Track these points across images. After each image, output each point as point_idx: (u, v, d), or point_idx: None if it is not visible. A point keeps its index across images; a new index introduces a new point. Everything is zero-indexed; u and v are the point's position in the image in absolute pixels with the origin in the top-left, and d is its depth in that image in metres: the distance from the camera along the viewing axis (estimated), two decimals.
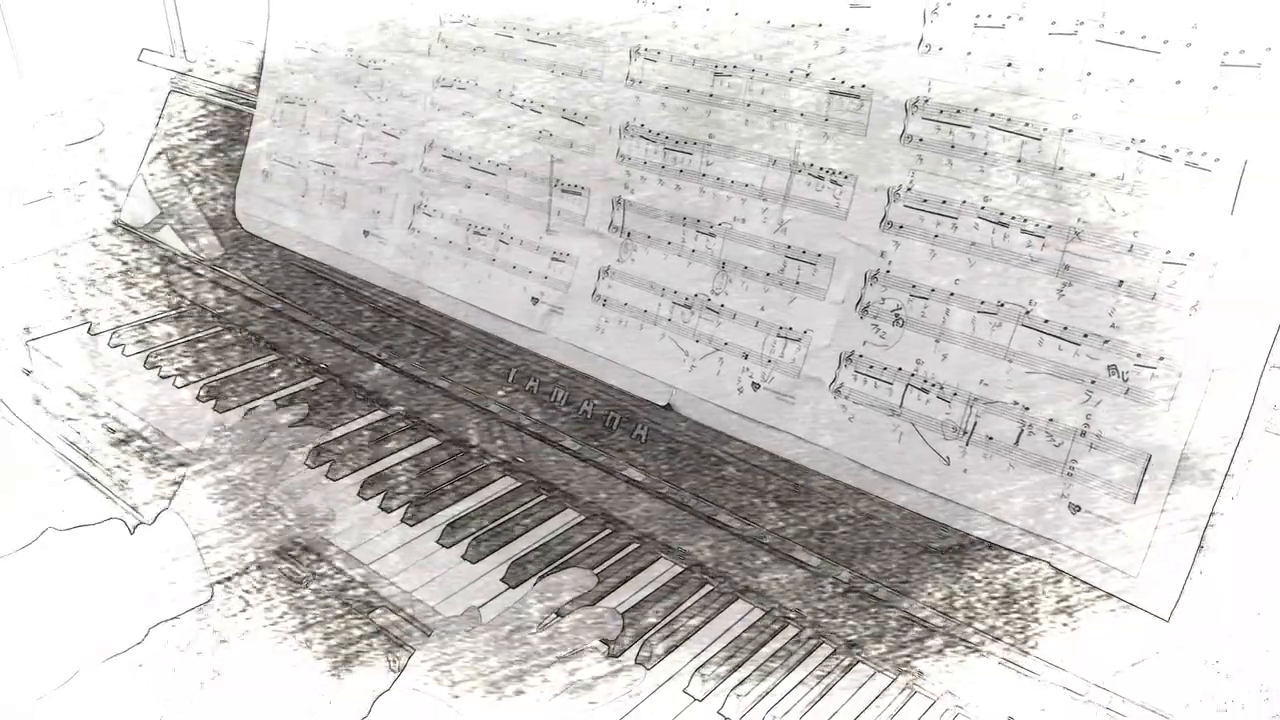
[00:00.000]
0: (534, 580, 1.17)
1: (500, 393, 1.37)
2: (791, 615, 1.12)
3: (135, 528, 1.17)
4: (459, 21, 1.35)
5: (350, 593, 1.21)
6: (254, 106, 1.65)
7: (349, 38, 1.49)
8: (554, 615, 1.07)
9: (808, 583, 1.11)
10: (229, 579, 1.18)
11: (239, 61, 1.65)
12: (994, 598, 0.99)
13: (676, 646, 1.09)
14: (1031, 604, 0.97)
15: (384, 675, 1.11)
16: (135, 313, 1.73)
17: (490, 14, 1.32)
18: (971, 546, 1.00)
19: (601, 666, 1.02)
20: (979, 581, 1.00)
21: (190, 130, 1.54)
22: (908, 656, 1.03)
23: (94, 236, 1.49)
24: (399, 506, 1.29)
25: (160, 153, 1.49)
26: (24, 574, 1.11)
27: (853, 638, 1.07)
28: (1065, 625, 0.95)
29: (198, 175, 1.63)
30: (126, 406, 1.48)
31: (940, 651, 1.02)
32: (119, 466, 1.42)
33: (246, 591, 1.16)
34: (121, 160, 1.56)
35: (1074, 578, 0.93)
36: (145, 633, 1.11)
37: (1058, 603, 0.95)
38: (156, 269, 1.81)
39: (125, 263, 1.53)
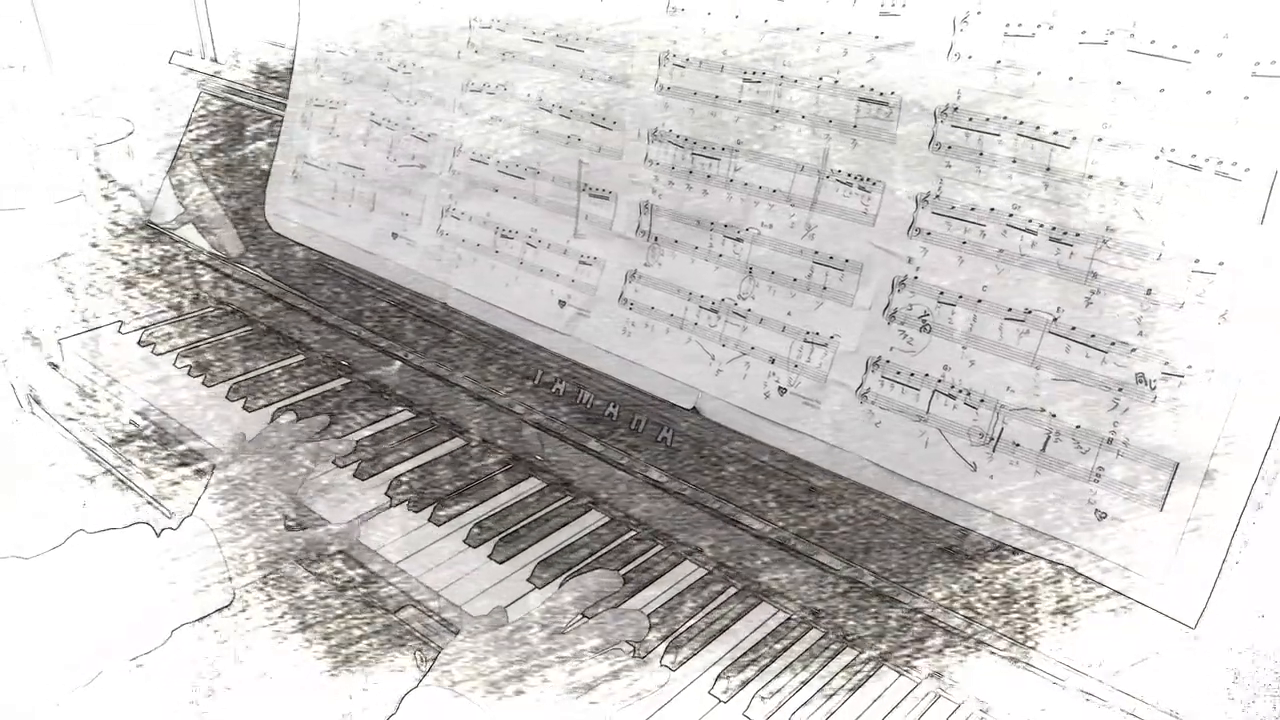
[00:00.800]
0: (560, 580, 1.19)
1: (526, 394, 1.38)
2: (816, 618, 1.12)
3: (161, 531, 1.19)
4: (489, 27, 1.36)
5: (380, 591, 1.23)
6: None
7: (379, 42, 1.50)
8: (581, 616, 1.08)
9: (832, 586, 1.12)
10: (257, 581, 1.20)
11: (239, 59, 1.66)
12: (1017, 603, 1.00)
13: (702, 649, 1.10)
14: (1056, 610, 0.97)
15: (411, 674, 1.13)
16: (164, 311, 1.75)
17: (520, 19, 1.33)
18: (996, 552, 1.01)
19: (602, 666, 1.02)
20: (1002, 587, 1.00)
21: (190, 130, 1.55)
22: (932, 661, 1.04)
23: (93, 237, 1.50)
24: (426, 507, 1.30)
25: (160, 153, 1.50)
26: (53, 575, 1.12)
27: (877, 641, 1.08)
28: (1090, 631, 0.96)
29: (197, 175, 1.65)
30: (167, 411, 1.50)
31: (965, 656, 1.03)
32: (119, 466, 1.44)
33: (247, 591, 1.17)
34: (121, 160, 1.57)
35: (1100, 584, 0.93)
36: (169, 635, 1.13)
37: (1082, 609, 0.96)
38: (180, 266, 1.84)
39: (125, 263, 1.54)
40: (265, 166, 1.77)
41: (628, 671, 1.02)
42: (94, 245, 1.50)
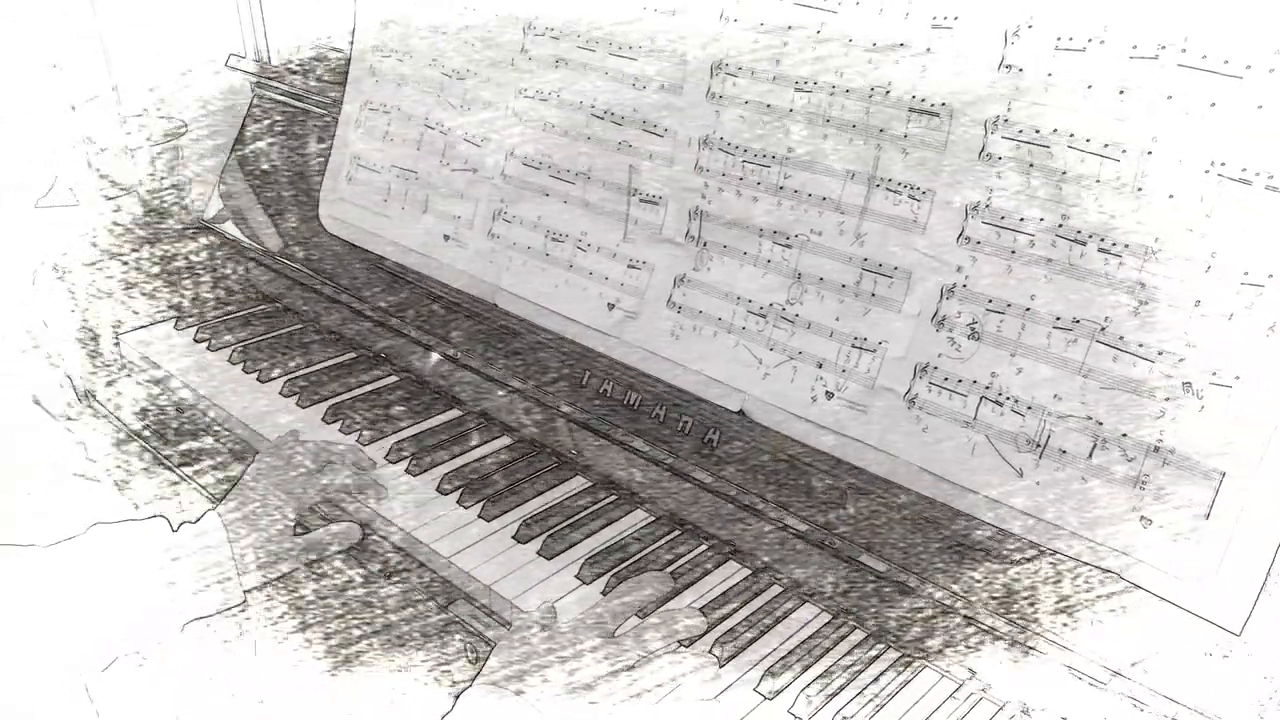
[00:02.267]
0: (606, 579, 1.21)
1: (573, 394, 1.41)
2: (859, 619, 1.15)
3: (179, 526, 1.22)
4: (542, 34, 1.39)
5: (430, 584, 1.26)
6: (314, 107, 1.71)
7: (433, 48, 1.54)
8: (635, 617, 1.10)
9: (875, 587, 1.14)
10: (270, 582, 1.23)
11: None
12: (1059, 607, 1.01)
13: (747, 647, 1.12)
14: (1099, 614, 0.99)
15: (413, 673, 1.15)
16: (218, 308, 1.79)
17: (573, 28, 1.36)
18: (1041, 557, 1.02)
19: (602, 666, 1.04)
20: (1047, 591, 1.02)
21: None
22: (974, 662, 1.06)
23: (94, 237, 1.52)
24: (476, 502, 1.34)
25: (160, 152, 1.53)
26: (70, 564, 1.15)
27: (920, 642, 1.10)
28: (1132, 635, 0.97)
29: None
30: (225, 406, 1.54)
31: (1006, 658, 1.04)
32: (119, 466, 1.47)
33: (246, 591, 1.18)
34: (121, 160, 1.59)
35: (1145, 590, 0.95)
36: (181, 628, 1.16)
37: (1124, 613, 0.97)
38: (225, 263, 1.88)
39: (125, 263, 1.55)
40: (265, 166, 1.82)
41: (628, 671, 1.04)
42: (66, 253, 1.52)
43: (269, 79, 1.84)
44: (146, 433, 1.53)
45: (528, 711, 1.00)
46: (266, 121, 1.78)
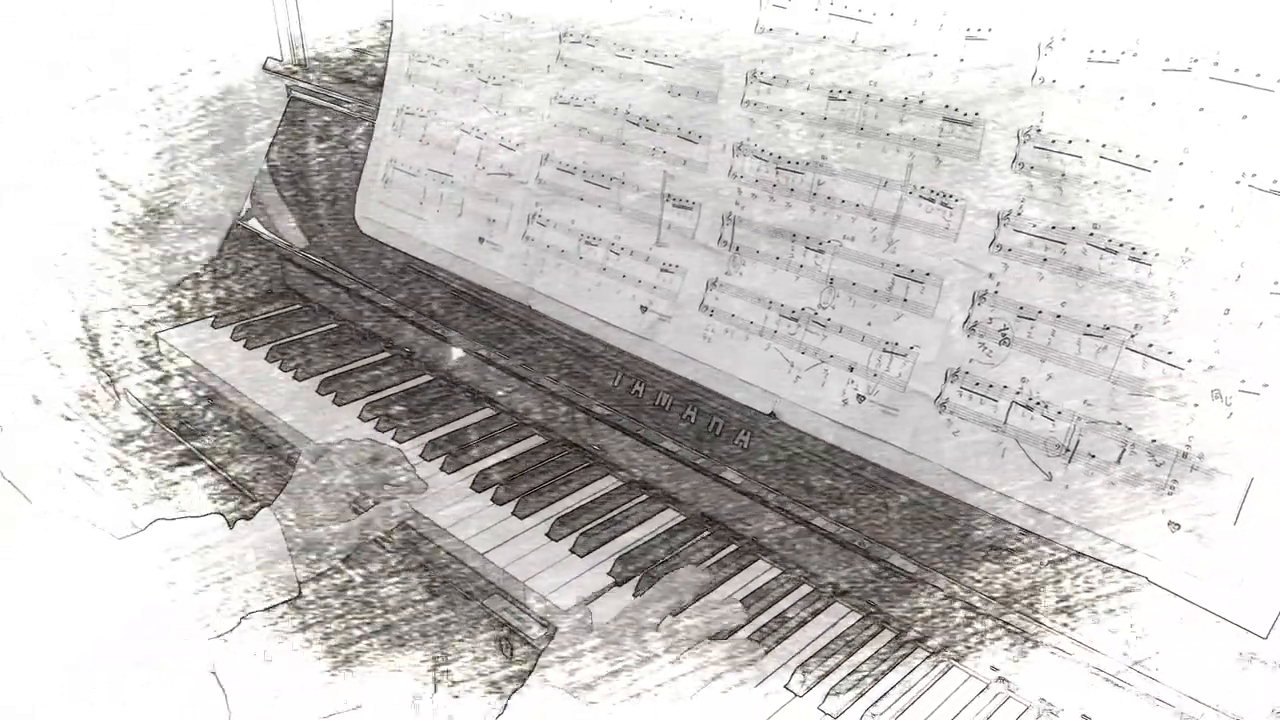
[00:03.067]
0: (640, 574, 1.24)
1: (605, 395, 1.43)
2: (887, 619, 1.17)
3: (234, 522, 1.25)
4: (578, 41, 1.42)
5: (465, 579, 1.29)
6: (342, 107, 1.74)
7: (469, 54, 1.57)
8: (670, 615, 1.12)
9: (905, 588, 1.16)
10: (320, 576, 1.25)
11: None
12: (1089, 609, 1.03)
13: (777, 645, 1.15)
14: (1126, 616, 1.00)
15: (409, 674, 1.18)
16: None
17: (609, 36, 1.38)
18: (1067, 559, 1.04)
19: (602, 666, 1.05)
20: (1075, 593, 1.04)
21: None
22: (1001, 662, 1.08)
23: (94, 236, 1.53)
24: (509, 500, 1.36)
25: (159, 152, 1.54)
26: (134, 558, 1.17)
27: (947, 642, 1.12)
28: (1157, 637, 0.99)
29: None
30: (263, 403, 1.57)
31: (1033, 658, 1.06)
32: (119, 466, 1.49)
33: (246, 591, 1.18)
34: (121, 160, 1.60)
35: (1172, 593, 0.97)
36: (238, 620, 1.19)
37: (1152, 615, 0.99)
38: (254, 260, 1.92)
39: (125, 263, 1.55)
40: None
41: (627, 671, 1.06)
42: (66, 252, 1.52)
43: (307, 85, 1.87)
44: (146, 432, 1.56)
45: (582, 710, 1.01)
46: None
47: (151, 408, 1.60)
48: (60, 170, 1.46)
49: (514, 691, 1.03)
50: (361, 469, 1.34)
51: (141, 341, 1.63)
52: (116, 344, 1.57)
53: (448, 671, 1.18)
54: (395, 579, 1.29)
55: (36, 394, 1.45)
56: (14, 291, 1.48)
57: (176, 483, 1.45)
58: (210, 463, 1.53)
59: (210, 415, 1.63)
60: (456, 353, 1.63)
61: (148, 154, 1.51)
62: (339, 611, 1.23)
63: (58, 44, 1.46)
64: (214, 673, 1.14)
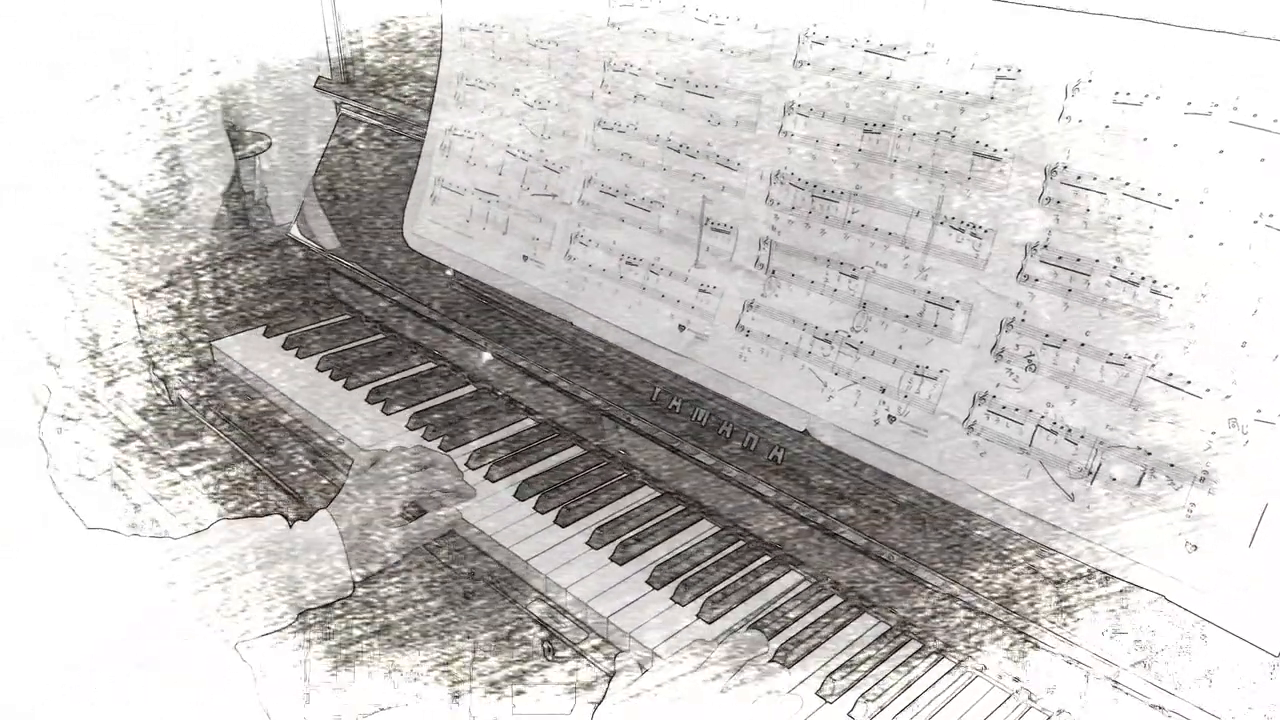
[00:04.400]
0: (677, 582, 1.30)
1: (644, 409, 1.49)
2: (914, 629, 1.22)
3: (294, 522, 1.31)
4: (621, 70, 1.48)
5: (510, 585, 1.35)
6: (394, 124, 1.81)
7: (516, 78, 1.63)
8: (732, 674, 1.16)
9: (931, 601, 1.21)
10: (375, 575, 1.31)
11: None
12: (1106, 625, 1.08)
13: (807, 654, 1.20)
14: (1141, 633, 1.05)
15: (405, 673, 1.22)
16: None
17: (653, 66, 1.44)
18: (1087, 577, 1.09)
19: (603, 666, 1.08)
20: (1092, 608, 1.09)
21: (190, 130, 1.61)
22: (1022, 673, 1.13)
23: (93, 236, 1.54)
24: (551, 509, 1.42)
25: (159, 152, 1.57)
26: (134, 558, 1.20)
27: (973, 653, 1.17)
28: (1172, 653, 1.04)
29: (197, 175, 1.69)
30: (315, 411, 1.64)
31: (1052, 669, 1.11)
32: (119, 466, 1.51)
33: (246, 591, 1.20)
34: (121, 160, 1.61)
35: (1189, 611, 1.01)
36: (296, 615, 1.25)
37: (1166, 633, 1.04)
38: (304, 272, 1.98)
39: (125, 263, 1.55)
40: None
41: (627, 671, 1.10)
42: (65, 253, 1.49)
43: (356, 102, 1.95)
44: (147, 432, 1.60)
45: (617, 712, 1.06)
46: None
47: (152, 408, 1.62)
48: (60, 170, 1.46)
49: (597, 705, 1.06)
50: (414, 475, 1.40)
51: (141, 342, 1.63)
52: (116, 344, 1.57)
53: (448, 672, 1.21)
54: (374, 582, 1.32)
55: (36, 394, 1.45)
56: (14, 291, 1.48)
57: (177, 482, 1.48)
58: (212, 462, 1.55)
59: (210, 415, 1.67)
60: (485, 356, 1.70)
61: (148, 154, 1.52)
62: (339, 612, 1.27)
63: (58, 44, 1.45)
64: (258, 683, 1.18)
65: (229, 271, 1.86)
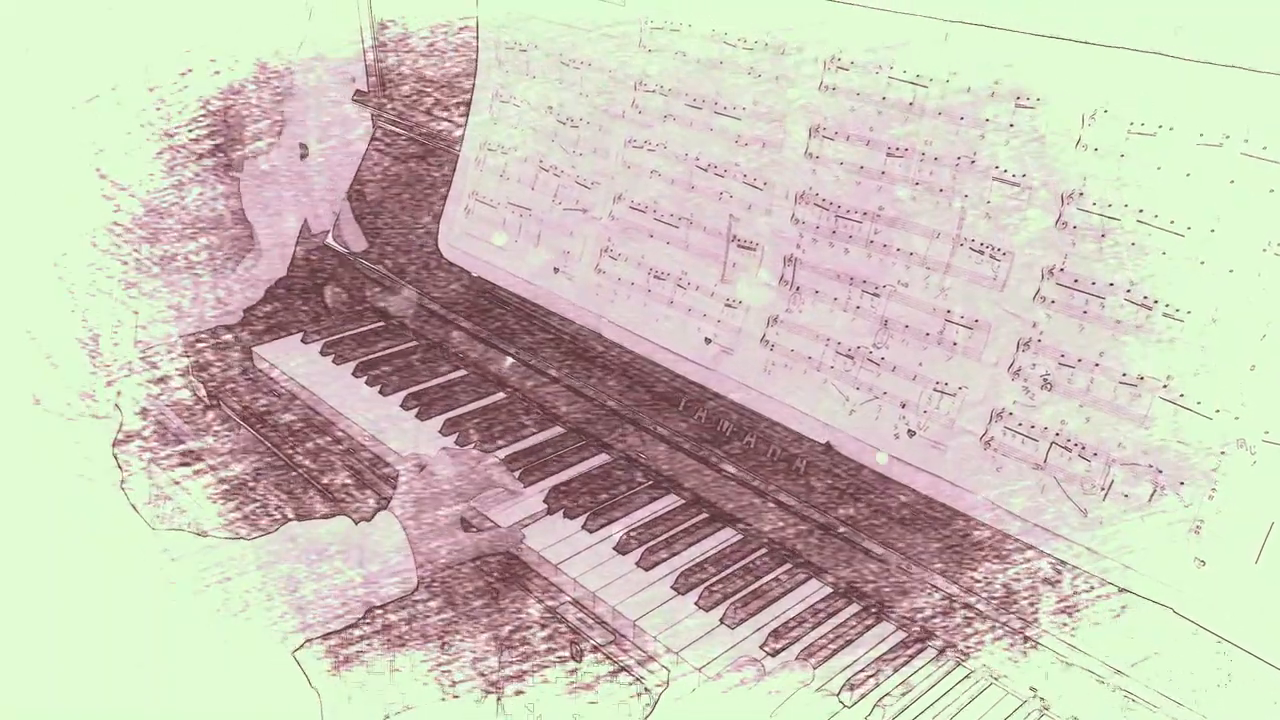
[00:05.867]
0: (701, 587, 1.34)
1: (670, 419, 1.54)
2: (932, 638, 1.26)
3: (359, 524, 1.36)
4: (653, 91, 1.53)
5: (540, 589, 1.40)
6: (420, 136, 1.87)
7: (549, 96, 1.68)
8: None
9: (948, 609, 1.25)
10: (434, 575, 1.36)
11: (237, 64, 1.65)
12: (1117, 637, 1.12)
13: (827, 660, 1.24)
14: (1150, 645, 1.09)
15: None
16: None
17: (681, 87, 1.49)
18: (1098, 589, 1.13)
19: (602, 666, 1.12)
20: (1101, 621, 1.13)
21: (190, 130, 1.60)
22: (1038, 681, 1.17)
23: (93, 236, 1.52)
24: (580, 514, 1.47)
25: (159, 152, 1.57)
26: (134, 558, 1.23)
27: (988, 661, 1.21)
28: (1181, 664, 1.07)
29: (197, 175, 1.68)
30: (352, 416, 1.70)
31: (1068, 679, 1.15)
32: (119, 466, 1.50)
33: (246, 591, 1.21)
34: (121, 160, 1.59)
35: (1197, 624, 1.05)
36: (363, 613, 1.31)
37: (1176, 646, 1.07)
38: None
39: (125, 263, 1.53)
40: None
41: (627, 672, 1.14)
42: (65, 253, 1.47)
43: (391, 115, 2.00)
44: (147, 432, 1.61)
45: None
46: (185, 119, 1.75)
47: (152, 408, 1.63)
48: (60, 170, 1.45)
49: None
50: (463, 476, 1.45)
51: (141, 341, 1.61)
52: (116, 344, 1.55)
53: (448, 672, 1.24)
54: (375, 581, 1.34)
55: (36, 394, 1.44)
56: (14, 291, 1.46)
57: (177, 482, 1.50)
58: (209, 463, 1.57)
59: (210, 415, 1.70)
60: (508, 360, 1.75)
61: (148, 154, 1.51)
62: (339, 612, 1.27)
63: (58, 44, 1.45)
64: (314, 684, 1.23)
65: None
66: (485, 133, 1.79)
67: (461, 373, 1.84)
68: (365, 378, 1.80)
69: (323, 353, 1.89)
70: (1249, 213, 1.01)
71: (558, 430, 1.69)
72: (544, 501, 1.51)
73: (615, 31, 1.57)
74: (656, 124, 1.53)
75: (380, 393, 1.77)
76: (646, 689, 1.18)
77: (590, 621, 1.35)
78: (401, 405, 1.73)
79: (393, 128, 1.99)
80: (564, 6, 1.63)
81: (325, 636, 1.27)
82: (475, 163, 1.80)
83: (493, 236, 1.66)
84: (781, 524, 1.41)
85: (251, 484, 1.47)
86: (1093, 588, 1.12)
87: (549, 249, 1.69)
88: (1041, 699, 1.17)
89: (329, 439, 1.72)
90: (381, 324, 2.01)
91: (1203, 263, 1.04)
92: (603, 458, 1.62)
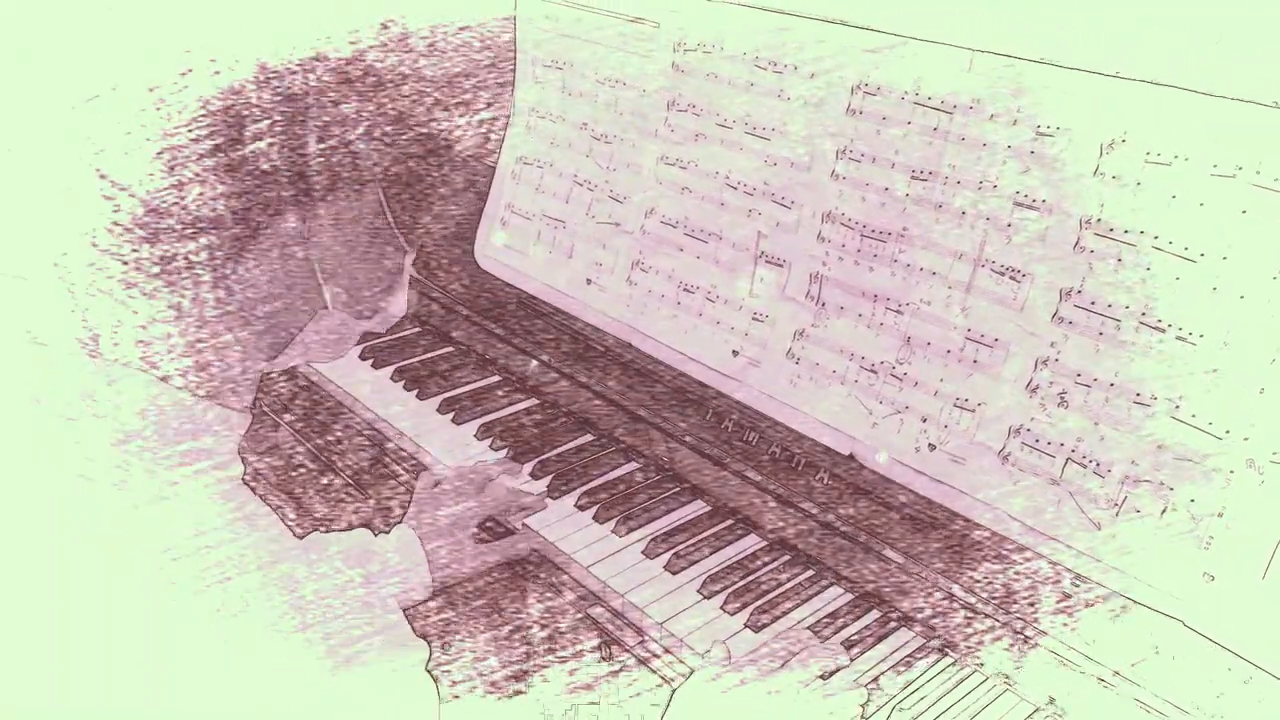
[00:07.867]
0: (725, 592, 1.39)
1: (698, 427, 1.59)
2: (949, 645, 1.30)
3: (378, 534, 1.40)
4: (684, 110, 1.58)
5: (572, 590, 1.45)
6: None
7: (584, 113, 1.74)
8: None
9: (967, 617, 1.29)
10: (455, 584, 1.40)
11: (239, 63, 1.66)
12: (1127, 647, 1.16)
13: (849, 664, 1.29)
14: (1161, 655, 1.13)
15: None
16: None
17: (713, 107, 1.54)
18: (1109, 600, 1.17)
19: (601, 667, 1.15)
20: (1112, 630, 1.17)
21: (190, 130, 1.60)
22: (1056, 690, 1.21)
23: (93, 236, 1.46)
24: (610, 519, 1.53)
25: (159, 152, 1.57)
26: (134, 559, 1.23)
27: (1003, 668, 1.25)
28: (1191, 675, 1.11)
29: (197, 175, 1.68)
30: (390, 419, 1.76)
31: (1080, 686, 1.19)
32: (118, 467, 1.48)
33: (246, 591, 1.22)
34: (121, 160, 1.62)
35: (1207, 637, 1.09)
36: (424, 598, 1.35)
37: (1185, 657, 1.11)
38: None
39: (125, 263, 1.49)
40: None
41: (627, 671, 1.17)
42: (65, 253, 1.44)
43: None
44: (147, 432, 1.67)
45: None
46: (185, 119, 1.77)
47: (151, 407, 1.67)
48: (60, 170, 1.42)
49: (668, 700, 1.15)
50: (482, 483, 1.51)
51: (141, 342, 1.56)
52: (116, 344, 1.51)
53: (448, 672, 1.27)
54: (374, 582, 1.35)
55: (36, 394, 1.43)
56: (14, 291, 1.45)
57: (176, 482, 1.46)
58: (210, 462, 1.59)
59: (211, 415, 1.73)
60: (533, 364, 1.81)
61: (148, 154, 1.46)
62: (339, 612, 1.28)
63: (58, 44, 1.43)
64: (430, 672, 1.24)
65: (141, 261, 1.78)
66: (521, 146, 1.84)
67: (497, 378, 1.90)
68: (403, 382, 1.86)
69: (362, 356, 1.95)
70: (1260, 241, 1.05)
71: (588, 436, 1.74)
72: (575, 506, 1.56)
73: (649, 51, 1.62)
74: (688, 142, 1.58)
75: (417, 397, 1.83)
76: (669, 684, 1.23)
77: (620, 624, 1.40)
78: (438, 410, 1.79)
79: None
80: (599, 27, 1.69)
81: (325, 637, 1.28)
82: (511, 176, 1.86)
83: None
84: (806, 532, 1.46)
85: (251, 484, 1.49)
86: (1097, 599, 1.17)
87: (582, 260, 1.75)
88: (1055, 703, 1.21)
89: (329, 439, 1.77)
90: (418, 330, 2.07)
91: (1215, 288, 1.08)
92: (631, 464, 1.67)
